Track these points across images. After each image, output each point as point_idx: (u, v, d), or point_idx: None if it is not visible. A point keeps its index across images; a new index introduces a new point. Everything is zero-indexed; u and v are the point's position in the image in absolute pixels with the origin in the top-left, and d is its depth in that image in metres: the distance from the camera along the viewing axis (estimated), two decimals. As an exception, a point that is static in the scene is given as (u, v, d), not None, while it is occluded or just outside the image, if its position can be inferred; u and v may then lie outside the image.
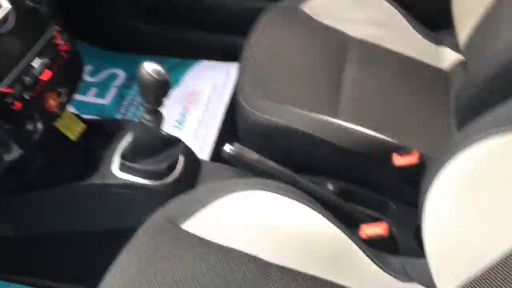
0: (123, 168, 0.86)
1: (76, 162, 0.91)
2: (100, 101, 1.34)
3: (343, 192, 0.91)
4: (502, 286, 0.58)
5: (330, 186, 0.90)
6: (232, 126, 1.04)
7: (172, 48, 1.42)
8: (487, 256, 0.61)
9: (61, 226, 0.93)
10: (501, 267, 0.59)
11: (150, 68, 0.76)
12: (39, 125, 0.77)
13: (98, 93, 1.36)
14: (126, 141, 0.89)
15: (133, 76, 1.37)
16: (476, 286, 0.62)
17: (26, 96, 0.72)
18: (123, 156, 0.86)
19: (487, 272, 0.61)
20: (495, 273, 0.60)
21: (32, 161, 0.83)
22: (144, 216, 0.78)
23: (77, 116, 0.92)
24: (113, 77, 1.41)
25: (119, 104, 1.33)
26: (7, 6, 0.73)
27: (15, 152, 0.74)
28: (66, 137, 0.91)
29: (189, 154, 0.93)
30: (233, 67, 1.34)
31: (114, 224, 0.91)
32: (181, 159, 0.90)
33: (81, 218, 0.92)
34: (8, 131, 0.72)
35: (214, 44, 1.42)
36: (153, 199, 0.86)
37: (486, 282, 0.61)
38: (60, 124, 0.88)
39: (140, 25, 1.41)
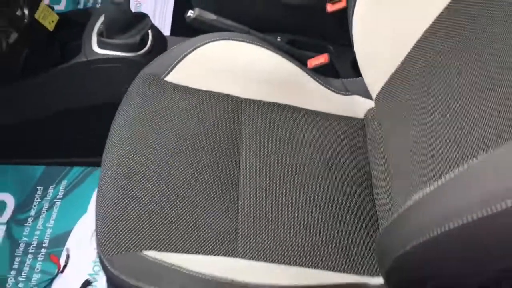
0: (101, 44, 1.00)
1: (59, 48, 1.04)
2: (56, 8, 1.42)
3: (290, 42, 1.09)
4: (411, 77, 0.78)
5: (279, 38, 1.08)
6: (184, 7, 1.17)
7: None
8: (402, 51, 0.81)
9: (56, 106, 1.07)
10: (411, 58, 0.79)
11: None
12: (26, 11, 0.89)
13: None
14: (100, 22, 1.02)
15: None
16: (395, 77, 0.83)
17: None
18: (100, 34, 1.00)
19: (401, 66, 0.82)
20: (406, 65, 0.80)
21: (25, 47, 0.95)
22: (126, 86, 0.93)
23: (51, 8, 1.03)
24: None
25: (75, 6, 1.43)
26: None
27: (13, 36, 0.86)
28: (45, 29, 1.02)
29: (155, 29, 1.07)
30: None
31: (102, 98, 1.06)
32: (150, 33, 1.04)
33: (73, 96, 1.06)
34: (4, 17, 0.84)
35: None
36: (131, 70, 1.01)
37: (401, 74, 0.82)
38: (38, 16, 0.99)
39: None
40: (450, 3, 0.71)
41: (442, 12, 0.72)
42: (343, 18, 0.99)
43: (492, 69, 0.63)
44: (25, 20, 0.89)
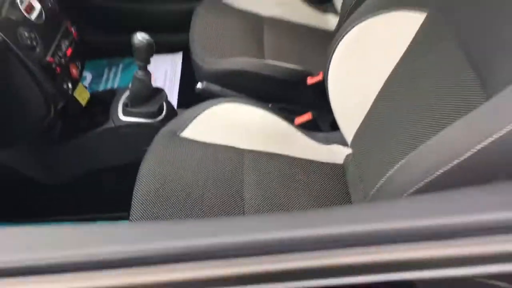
0: (126, 113, 1.22)
1: (89, 119, 1.26)
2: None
3: (279, 109, 1.33)
4: (374, 123, 1.02)
5: (270, 105, 1.32)
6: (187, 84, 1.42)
7: (126, 50, 1.78)
8: (367, 103, 1.05)
9: (87, 167, 1.26)
10: (374, 108, 1.03)
11: (141, 36, 1.14)
12: (70, 85, 1.12)
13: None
14: (124, 96, 1.25)
15: (99, 75, 1.73)
16: (363, 125, 1.06)
17: (63, 61, 1.08)
18: (125, 104, 1.23)
19: (367, 115, 1.05)
20: (371, 114, 1.04)
21: (63, 117, 1.17)
22: (146, 148, 1.14)
23: (84, 87, 1.27)
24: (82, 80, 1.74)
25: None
26: (38, 6, 1.08)
27: (60, 105, 1.09)
28: (79, 104, 1.26)
29: (168, 101, 1.31)
30: (175, 56, 1.75)
31: (125, 158, 1.26)
32: (165, 103, 1.27)
33: (101, 158, 1.26)
34: (55, 88, 1.07)
35: (159, 42, 1.80)
36: (150, 134, 1.22)
37: (368, 121, 1.05)
38: (75, 93, 1.23)
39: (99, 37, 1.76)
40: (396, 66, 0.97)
41: (393, 70, 0.98)
42: (320, 88, 1.24)
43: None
44: (69, 92, 1.12)
